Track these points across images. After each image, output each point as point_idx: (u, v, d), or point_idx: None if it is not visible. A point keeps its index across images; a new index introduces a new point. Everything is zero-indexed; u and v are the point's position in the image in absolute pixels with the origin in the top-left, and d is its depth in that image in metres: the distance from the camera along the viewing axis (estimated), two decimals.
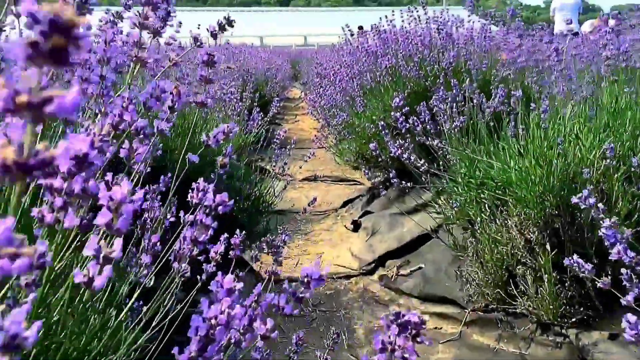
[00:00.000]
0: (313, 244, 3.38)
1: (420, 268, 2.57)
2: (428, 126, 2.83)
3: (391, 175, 2.92)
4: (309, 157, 5.72)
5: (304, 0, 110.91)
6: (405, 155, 2.77)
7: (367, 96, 3.53)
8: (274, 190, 3.33)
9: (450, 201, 2.52)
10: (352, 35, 6.97)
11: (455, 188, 2.43)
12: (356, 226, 3.41)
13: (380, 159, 3.70)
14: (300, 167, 5.71)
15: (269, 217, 2.84)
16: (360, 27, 15.64)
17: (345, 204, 3.96)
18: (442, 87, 3.14)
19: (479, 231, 2.19)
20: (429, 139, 2.72)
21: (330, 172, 4.98)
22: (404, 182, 3.06)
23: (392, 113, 3.33)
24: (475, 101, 2.72)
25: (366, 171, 4.02)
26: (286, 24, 37.86)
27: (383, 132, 3.55)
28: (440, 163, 2.89)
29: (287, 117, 9.75)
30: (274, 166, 3.55)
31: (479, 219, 2.21)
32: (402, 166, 3.76)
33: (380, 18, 4.29)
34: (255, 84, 6.58)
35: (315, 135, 4.08)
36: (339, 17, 39.41)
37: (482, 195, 2.27)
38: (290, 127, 8.58)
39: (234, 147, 2.72)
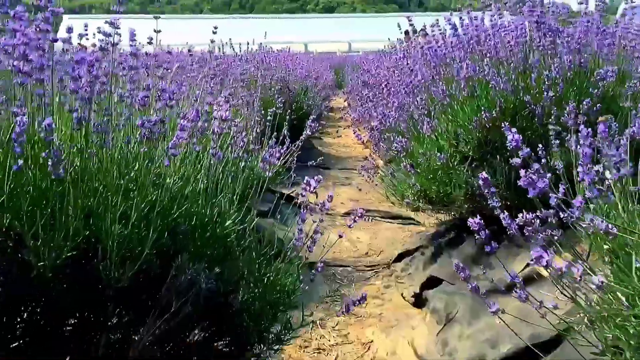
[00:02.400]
0: (357, 321, 2.44)
1: None
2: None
3: (475, 224, 1.95)
4: (353, 184, 4.79)
5: (349, 7, 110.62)
6: (494, 203, 1.81)
7: (433, 115, 2.58)
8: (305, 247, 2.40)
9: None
10: (410, 33, 6.02)
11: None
12: (418, 299, 2.44)
13: (448, 199, 2.74)
14: (339, 196, 4.80)
15: (288, 312, 1.91)
16: (406, 32, 14.65)
17: (400, 256, 3.00)
18: (553, 106, 2.15)
19: None
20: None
21: (379, 202, 4.02)
22: (483, 231, 2.11)
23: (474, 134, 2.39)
24: None
25: (430, 212, 3.07)
26: (331, 30, 37.16)
27: (455, 161, 2.60)
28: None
29: (329, 128, 8.83)
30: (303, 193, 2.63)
31: None
32: (480, 208, 2.78)
33: (438, 19, 3.32)
34: (292, 95, 5.70)
35: (362, 165, 3.14)
36: (384, 23, 38.31)
37: None
38: (332, 141, 7.64)
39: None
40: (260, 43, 6.57)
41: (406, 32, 12.51)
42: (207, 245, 1.44)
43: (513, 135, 1.27)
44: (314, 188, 1.66)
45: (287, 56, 6.52)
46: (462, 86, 2.36)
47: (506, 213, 1.41)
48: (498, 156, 2.52)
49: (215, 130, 1.48)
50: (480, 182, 1.34)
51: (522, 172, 1.13)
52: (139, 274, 1.20)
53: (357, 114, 4.60)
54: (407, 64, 2.69)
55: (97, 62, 1.20)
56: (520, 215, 1.22)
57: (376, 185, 3.35)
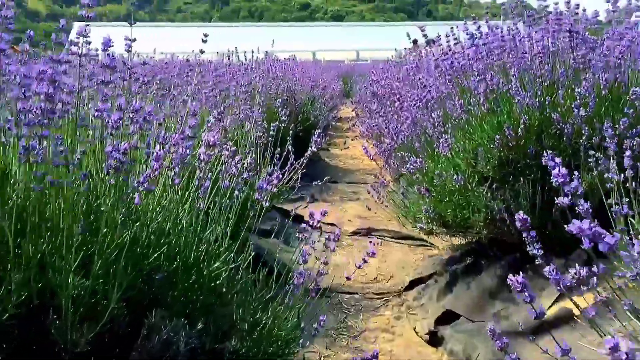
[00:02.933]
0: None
1: None
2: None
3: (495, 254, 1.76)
4: (361, 199, 4.56)
5: (358, 16, 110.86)
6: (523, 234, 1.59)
7: (450, 132, 2.36)
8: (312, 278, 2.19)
9: None
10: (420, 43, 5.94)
11: None
12: (433, 337, 2.21)
13: (466, 223, 2.52)
14: (346, 212, 4.57)
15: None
16: (415, 41, 14.36)
17: (412, 284, 2.77)
18: (584, 124, 1.93)
19: None
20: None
21: (388, 219, 3.78)
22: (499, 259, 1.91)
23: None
24: None
25: (444, 235, 2.85)
26: (339, 38, 37.19)
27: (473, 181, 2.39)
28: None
29: (336, 139, 8.62)
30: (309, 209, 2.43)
31: None
32: (501, 234, 2.57)
33: (452, 28, 3.10)
34: (299, 105, 5.50)
35: (371, 185, 2.91)
36: (392, 32, 38.25)
37: None
38: (339, 153, 7.42)
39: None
40: (266, 51, 6.39)
41: (414, 41, 12.23)
42: (192, 291, 1.23)
43: (559, 169, 1.05)
44: (318, 222, 1.44)
45: (293, 65, 6.33)
46: (481, 101, 2.15)
47: (545, 258, 1.18)
48: (522, 178, 2.30)
49: (202, 158, 1.27)
50: (518, 223, 1.11)
51: (576, 224, 0.89)
52: (104, 334, 0.99)
53: (365, 128, 4.39)
54: (420, 78, 2.47)
55: (61, 75, 1.00)
56: (571, 271, 0.99)
57: (386, 206, 3.13)
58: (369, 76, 7.26)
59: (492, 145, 2.29)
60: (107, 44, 1.19)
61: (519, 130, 2.11)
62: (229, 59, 5.60)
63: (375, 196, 2.89)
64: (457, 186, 2.42)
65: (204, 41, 1.66)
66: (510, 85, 2.08)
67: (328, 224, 4.03)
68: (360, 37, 37.76)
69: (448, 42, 2.63)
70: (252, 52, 6.02)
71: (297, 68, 6.68)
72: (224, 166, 1.55)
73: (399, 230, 3.65)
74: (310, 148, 2.63)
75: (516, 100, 2.07)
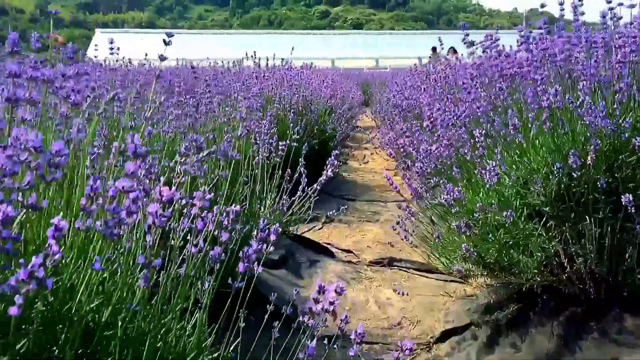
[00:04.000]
0: None
1: None
2: None
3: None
4: (381, 220, 4.13)
5: (377, 24, 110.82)
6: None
7: (497, 156, 1.93)
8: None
9: None
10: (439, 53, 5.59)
11: None
12: None
13: (514, 267, 2.08)
14: (364, 236, 4.12)
15: None
16: (434, 49, 13.93)
17: (445, 334, 2.33)
18: None
19: None
20: None
21: (411, 247, 3.30)
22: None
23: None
24: None
25: (483, 284, 2.42)
26: (358, 47, 36.95)
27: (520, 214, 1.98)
28: None
29: (355, 150, 8.18)
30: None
31: None
32: (557, 281, 2.13)
33: (473, 41, 2.70)
34: (315, 116, 5.09)
35: (397, 222, 2.47)
36: (411, 41, 37.89)
37: None
38: (357, 166, 6.97)
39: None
40: (282, 58, 6.02)
41: (433, 48, 11.72)
42: None
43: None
44: (334, 307, 1.02)
45: (310, 73, 5.93)
46: (543, 118, 1.71)
47: None
48: (587, 216, 1.86)
49: (152, 223, 0.86)
50: None
51: None
52: None
53: (387, 143, 3.97)
54: (462, 86, 2.04)
55: None
56: None
57: (412, 244, 2.68)
58: (391, 86, 6.85)
59: (550, 174, 1.85)
60: None
61: (588, 157, 1.67)
62: (236, 65, 5.24)
63: (402, 234, 2.45)
64: (504, 222, 1.99)
65: (167, 43, 1.26)
66: (577, 102, 1.65)
67: (344, 250, 3.61)
68: (380, 46, 37.49)
69: (486, 49, 2.20)
70: (267, 59, 5.64)
71: (314, 76, 6.28)
72: (195, 222, 1.14)
73: (424, 260, 3.20)
74: (325, 172, 2.22)
75: (586, 121, 1.63)
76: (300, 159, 2.40)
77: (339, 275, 3.07)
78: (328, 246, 3.56)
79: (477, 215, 1.96)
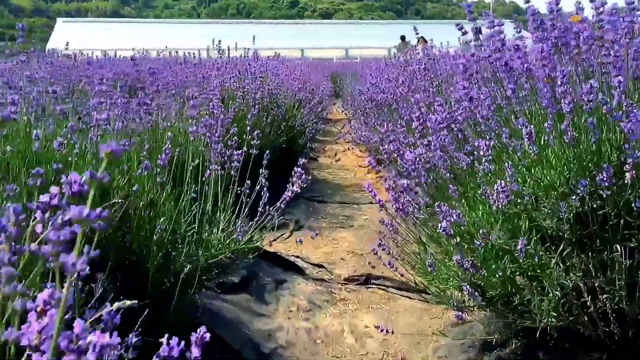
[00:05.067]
0: None
1: None
2: None
3: None
4: (356, 226, 3.76)
5: (346, 14, 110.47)
6: None
7: (508, 171, 1.55)
8: None
9: None
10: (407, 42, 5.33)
11: None
12: None
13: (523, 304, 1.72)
14: (337, 245, 3.70)
15: None
16: (403, 38, 13.60)
17: None
18: None
19: None
20: None
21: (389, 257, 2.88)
22: None
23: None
24: None
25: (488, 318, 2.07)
26: (328, 36, 36.46)
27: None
28: None
29: (326, 145, 7.76)
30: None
31: None
32: (575, 322, 1.78)
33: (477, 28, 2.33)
34: (282, 112, 4.67)
35: (379, 242, 2.07)
36: (381, 31, 37.57)
37: None
38: (328, 163, 6.56)
39: None
40: (247, 48, 5.55)
41: (402, 37, 11.43)
42: None
43: None
44: None
45: (277, 64, 5.49)
46: (564, 126, 1.34)
47: None
48: (615, 244, 1.50)
49: None
50: None
51: None
52: None
53: (359, 139, 3.58)
54: (465, 87, 1.65)
55: None
56: None
57: (401, 274, 2.28)
58: (364, 77, 6.46)
59: (570, 192, 1.49)
60: None
61: (627, 174, 1.30)
62: (195, 56, 4.79)
63: (384, 257, 2.06)
64: (509, 249, 1.62)
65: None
66: (612, 104, 1.28)
67: (316, 265, 3.21)
68: (349, 35, 37.09)
69: (475, 37, 1.81)
70: (228, 49, 5.18)
71: (281, 67, 5.84)
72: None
73: (407, 278, 2.81)
74: (290, 187, 1.81)
75: (624, 128, 1.26)
76: (261, 170, 1.98)
77: (309, 299, 2.67)
78: (297, 260, 3.16)
79: (478, 243, 1.58)
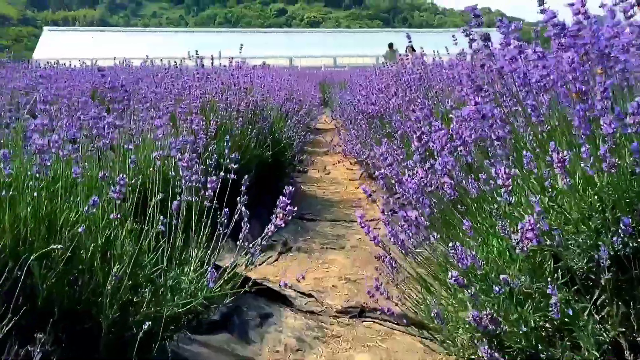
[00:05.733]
0: None
1: None
2: None
3: None
4: (347, 247, 3.50)
5: (334, 22, 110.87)
6: None
7: (534, 206, 1.31)
8: None
9: None
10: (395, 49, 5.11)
11: None
12: None
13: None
14: (328, 270, 3.40)
15: None
16: (390, 45, 13.43)
17: None
18: None
19: None
20: None
21: (386, 284, 2.58)
22: None
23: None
24: None
25: None
26: (316, 45, 36.38)
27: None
28: None
29: (315, 157, 7.49)
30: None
31: None
32: None
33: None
34: (268, 124, 4.41)
35: (375, 281, 1.81)
36: (368, 39, 37.57)
37: None
38: (317, 176, 6.30)
39: None
40: (231, 57, 5.28)
41: (390, 45, 11.25)
42: None
43: None
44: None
45: (263, 73, 5.24)
46: (605, 150, 1.09)
47: None
48: None
49: None
50: None
51: None
52: None
53: (354, 159, 3.32)
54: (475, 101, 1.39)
55: None
56: None
57: (401, 312, 2.03)
58: (354, 87, 6.22)
59: (606, 230, 1.24)
60: None
61: None
62: (178, 66, 4.53)
63: (384, 293, 1.80)
64: (531, 293, 1.38)
65: None
66: None
67: (306, 294, 2.94)
68: (338, 44, 37.07)
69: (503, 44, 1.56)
70: (212, 57, 4.92)
71: (267, 77, 5.58)
72: None
73: (404, 308, 2.53)
74: (274, 221, 1.54)
75: None
76: (239, 199, 1.71)
77: (298, 336, 2.40)
78: (284, 289, 2.88)
79: (498, 291, 1.32)
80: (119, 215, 1.35)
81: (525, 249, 1.17)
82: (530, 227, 1.11)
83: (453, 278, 1.19)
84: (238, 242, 1.77)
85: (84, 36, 35.75)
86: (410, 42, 4.10)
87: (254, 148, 4.05)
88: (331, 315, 2.64)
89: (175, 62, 5.53)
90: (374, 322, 2.56)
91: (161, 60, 6.93)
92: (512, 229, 1.33)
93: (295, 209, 1.53)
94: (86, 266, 1.35)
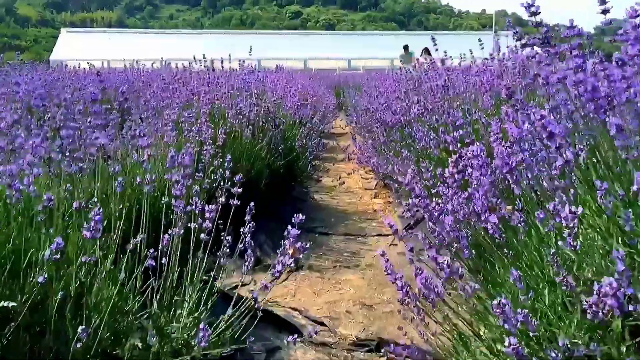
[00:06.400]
0: None
1: None
2: None
3: None
4: (363, 264, 3.25)
5: (349, 25, 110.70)
6: None
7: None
8: None
9: None
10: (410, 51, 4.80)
11: None
12: None
13: None
14: (341, 291, 3.13)
15: None
16: (406, 47, 13.14)
17: None
18: None
19: None
20: None
21: (405, 310, 2.32)
22: None
23: None
24: None
25: None
26: (330, 47, 36.13)
27: None
28: None
29: (329, 163, 7.24)
30: None
31: None
32: None
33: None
34: (281, 132, 4.17)
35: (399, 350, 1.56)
36: (384, 42, 37.18)
37: None
38: (332, 185, 6.05)
39: None
40: (242, 60, 5.07)
41: (405, 47, 10.89)
42: None
43: None
44: None
45: (275, 78, 5.01)
46: None
47: None
48: None
49: None
50: None
51: None
52: None
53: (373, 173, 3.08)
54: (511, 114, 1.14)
55: None
56: None
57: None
58: (370, 93, 5.96)
59: None
60: None
61: None
62: (186, 69, 4.32)
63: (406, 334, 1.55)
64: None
65: None
66: None
67: (317, 322, 2.70)
68: (352, 46, 36.78)
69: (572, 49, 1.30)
70: (222, 60, 4.70)
71: (280, 81, 5.36)
72: None
73: (423, 338, 2.25)
74: (281, 260, 1.30)
75: None
76: (243, 230, 1.47)
77: None
78: (293, 315, 2.64)
79: (554, 356, 1.07)
80: (94, 258, 1.12)
81: (601, 315, 0.92)
82: (612, 291, 0.86)
83: (511, 347, 0.94)
84: (245, 264, 1.54)
85: (100, 38, 35.94)
86: (435, 45, 3.85)
87: (265, 157, 3.82)
88: (345, 348, 2.39)
89: (183, 65, 5.34)
90: (394, 356, 2.31)
91: (176, 64, 6.75)
92: (572, 276, 1.08)
93: (308, 245, 1.29)
94: (53, 318, 1.12)
